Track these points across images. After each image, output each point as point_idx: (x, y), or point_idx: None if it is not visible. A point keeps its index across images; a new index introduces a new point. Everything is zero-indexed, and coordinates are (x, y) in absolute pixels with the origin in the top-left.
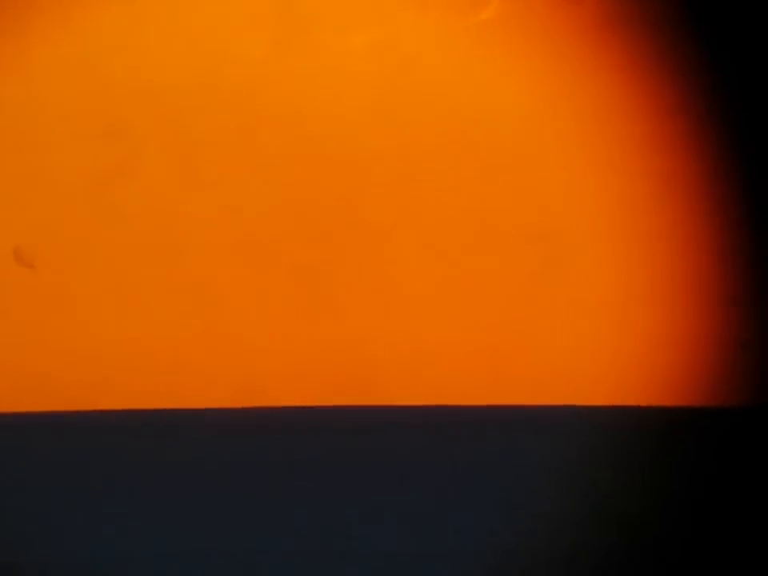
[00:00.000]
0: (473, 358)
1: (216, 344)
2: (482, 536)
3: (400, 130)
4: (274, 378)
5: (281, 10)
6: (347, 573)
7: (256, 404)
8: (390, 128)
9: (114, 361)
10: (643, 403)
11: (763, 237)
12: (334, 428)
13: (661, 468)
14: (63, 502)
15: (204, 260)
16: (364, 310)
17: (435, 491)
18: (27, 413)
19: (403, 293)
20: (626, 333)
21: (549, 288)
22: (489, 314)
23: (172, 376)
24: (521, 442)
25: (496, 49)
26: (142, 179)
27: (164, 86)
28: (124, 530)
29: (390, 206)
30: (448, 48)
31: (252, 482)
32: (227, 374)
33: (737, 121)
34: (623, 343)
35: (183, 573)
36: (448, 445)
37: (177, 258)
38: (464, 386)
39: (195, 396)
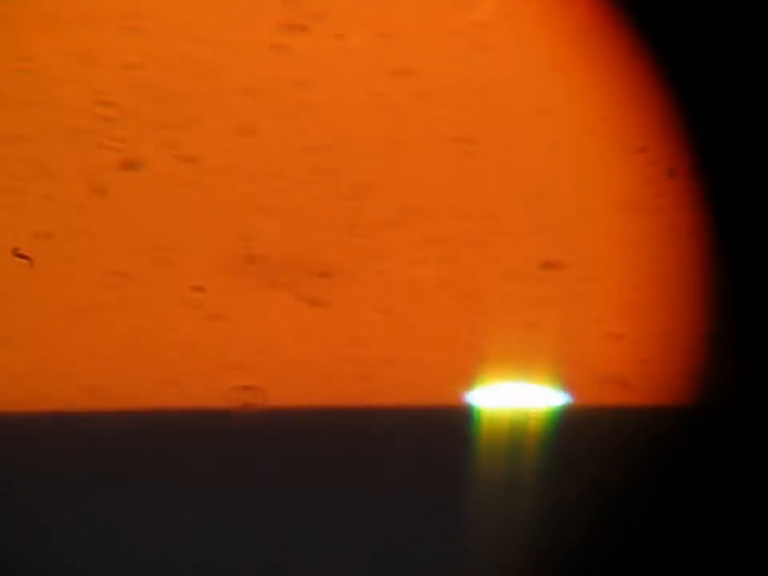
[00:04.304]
0: (472, 356)
1: (215, 344)
2: (480, 535)
3: (400, 125)
4: (273, 378)
5: (280, 9)
6: (345, 572)
7: (255, 404)
8: (389, 123)
9: (112, 360)
10: (643, 402)
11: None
12: (334, 428)
13: (661, 467)
14: (62, 503)
15: (202, 259)
16: (363, 306)
17: (434, 491)
18: (27, 413)
19: (403, 289)
20: (631, 330)
21: (551, 285)
22: (489, 311)
23: (171, 376)
24: (520, 442)
25: (496, 47)
26: (141, 177)
27: (163, 83)
28: (123, 530)
29: (390, 205)
30: (448, 45)
31: (251, 482)
32: (227, 373)
33: (737, 120)
34: (628, 341)
35: (182, 572)
36: (447, 445)
37: (175, 256)
38: (463, 385)
39: (194, 396)
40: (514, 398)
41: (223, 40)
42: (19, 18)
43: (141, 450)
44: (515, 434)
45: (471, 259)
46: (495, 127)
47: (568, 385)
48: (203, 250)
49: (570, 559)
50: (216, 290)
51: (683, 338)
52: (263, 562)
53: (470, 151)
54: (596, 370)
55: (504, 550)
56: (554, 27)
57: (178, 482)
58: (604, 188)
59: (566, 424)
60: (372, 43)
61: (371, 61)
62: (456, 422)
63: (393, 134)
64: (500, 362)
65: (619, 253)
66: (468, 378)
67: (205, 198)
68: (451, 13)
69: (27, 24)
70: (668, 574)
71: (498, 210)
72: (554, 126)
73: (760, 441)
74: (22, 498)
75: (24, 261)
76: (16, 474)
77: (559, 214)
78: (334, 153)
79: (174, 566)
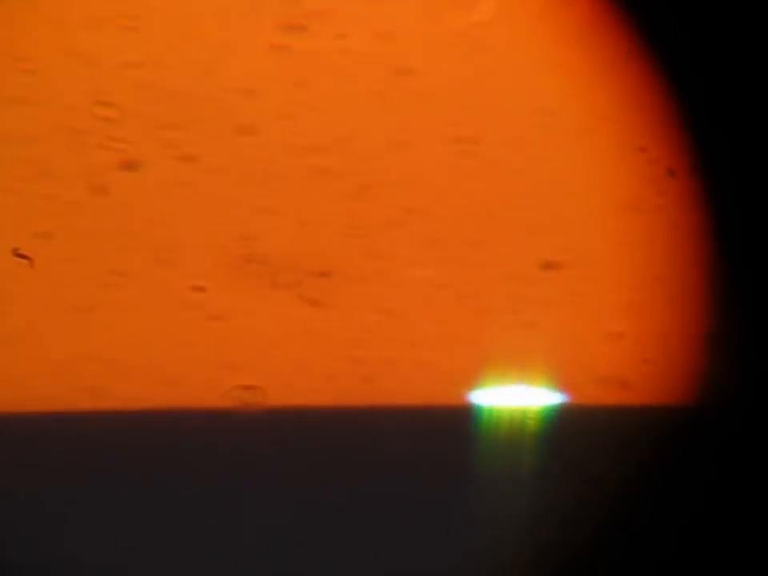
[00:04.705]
0: (472, 356)
1: (215, 344)
2: (481, 535)
3: (400, 125)
4: (273, 378)
5: (280, 9)
6: (346, 572)
7: (255, 404)
8: (389, 123)
9: (112, 360)
10: (644, 402)
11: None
12: (334, 428)
13: (661, 467)
14: (62, 503)
15: (202, 259)
16: (363, 306)
17: (433, 491)
18: (27, 413)
19: (403, 290)
20: (631, 330)
21: (551, 285)
22: (489, 311)
23: (171, 376)
24: (520, 442)
25: (496, 47)
26: (141, 177)
27: (163, 83)
28: (123, 530)
29: (391, 205)
30: (448, 45)
31: (251, 482)
32: (227, 373)
33: (737, 120)
34: (628, 341)
35: (182, 572)
36: (448, 445)
37: (175, 256)
38: (463, 385)
39: (194, 396)
40: (515, 397)
41: (223, 40)
42: (19, 18)
43: (141, 449)
44: (515, 434)
45: (471, 259)
46: (495, 127)
47: (568, 385)
48: (203, 250)
49: (570, 559)
50: (216, 289)
51: (683, 338)
52: (263, 561)
53: (470, 151)
54: (596, 369)
55: (504, 550)
56: (553, 27)
57: (178, 481)
58: (604, 188)
59: (566, 424)
60: (372, 43)
61: (371, 61)
62: (457, 422)
63: (393, 134)
64: (500, 362)
65: (619, 253)
66: (468, 378)
67: (205, 198)
68: (451, 13)
69: (27, 24)
70: (668, 574)
71: (498, 210)
72: (554, 126)
73: (761, 441)
74: (22, 498)
75: (24, 261)
76: (16, 474)
77: (559, 213)
78: (334, 153)
79: (174, 565)
